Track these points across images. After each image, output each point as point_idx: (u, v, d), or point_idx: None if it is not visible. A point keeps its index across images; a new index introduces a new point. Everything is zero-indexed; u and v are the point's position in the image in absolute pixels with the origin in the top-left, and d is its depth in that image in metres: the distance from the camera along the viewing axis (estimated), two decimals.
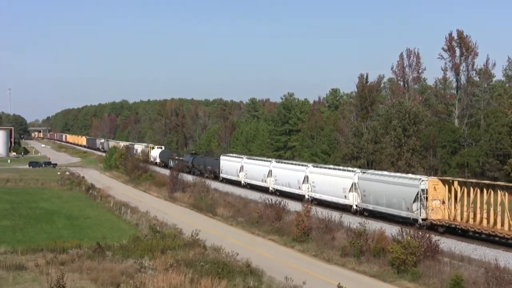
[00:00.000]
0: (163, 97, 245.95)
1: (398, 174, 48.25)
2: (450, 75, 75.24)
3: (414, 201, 40.40)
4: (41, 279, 27.64)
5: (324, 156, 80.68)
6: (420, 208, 40.03)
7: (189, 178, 70.09)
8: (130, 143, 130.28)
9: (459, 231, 38.13)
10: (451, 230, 38.37)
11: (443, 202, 39.44)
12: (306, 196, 54.45)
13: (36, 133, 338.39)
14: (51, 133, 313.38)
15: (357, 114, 76.89)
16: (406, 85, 77.74)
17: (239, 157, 74.08)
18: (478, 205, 36.64)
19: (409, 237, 31.64)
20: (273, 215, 44.15)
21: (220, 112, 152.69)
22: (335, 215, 41.66)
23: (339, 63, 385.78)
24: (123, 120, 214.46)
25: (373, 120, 76.67)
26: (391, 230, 37.14)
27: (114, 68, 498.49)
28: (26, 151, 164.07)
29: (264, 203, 47.02)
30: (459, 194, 38.21)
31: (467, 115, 71.80)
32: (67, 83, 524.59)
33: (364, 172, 49.42)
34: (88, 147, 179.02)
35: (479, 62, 72.82)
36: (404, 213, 41.44)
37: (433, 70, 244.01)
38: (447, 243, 35.30)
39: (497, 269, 26.85)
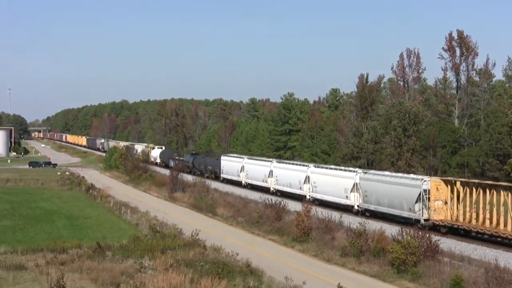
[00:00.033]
0: (163, 97, 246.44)
1: (400, 174, 48.03)
2: (450, 75, 75.25)
3: (416, 202, 40.27)
4: (41, 279, 27.64)
5: (324, 156, 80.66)
6: (422, 209, 39.89)
7: (189, 178, 70.09)
8: (131, 143, 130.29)
9: (462, 231, 38.00)
10: (453, 231, 38.22)
11: (446, 203, 39.27)
12: (307, 197, 54.29)
13: (36, 133, 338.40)
14: (51, 133, 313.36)
15: (357, 114, 76.86)
16: (406, 85, 77.69)
17: (240, 157, 74.00)
18: (481, 205, 36.44)
19: (409, 237, 31.64)
20: (273, 215, 44.16)
21: (220, 112, 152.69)
22: (335, 215, 41.65)
23: (339, 63, 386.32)
24: (123, 120, 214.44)
25: (373, 120, 76.64)
26: (391, 230, 37.13)
27: (114, 68, 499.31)
28: (26, 151, 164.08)
29: (264, 203, 47.02)
30: (461, 195, 38.01)
31: (467, 115, 71.76)
32: (67, 83, 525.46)
33: (365, 173, 49.25)
34: (88, 147, 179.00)
35: (479, 62, 72.81)
36: (406, 214, 41.30)
37: (433, 70, 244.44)
38: (447, 243, 35.28)
39: (497, 269, 26.85)
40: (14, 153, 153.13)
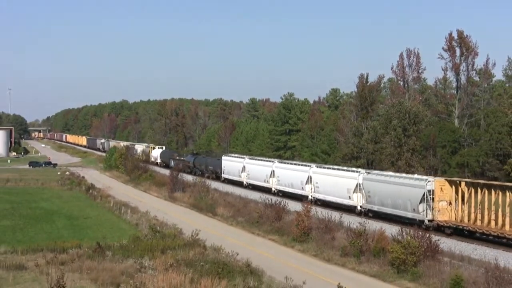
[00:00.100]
0: (163, 97, 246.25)
1: (404, 174, 47.68)
2: (450, 75, 75.23)
3: (420, 202, 40.02)
4: (41, 279, 27.64)
5: (324, 156, 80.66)
6: (427, 209, 39.65)
7: (189, 178, 70.06)
8: (131, 143, 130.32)
9: (466, 232, 37.70)
10: (458, 232, 37.97)
11: (450, 203, 39.01)
12: (310, 197, 54.01)
13: (36, 133, 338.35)
14: (51, 133, 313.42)
15: (357, 114, 76.87)
16: (406, 85, 77.70)
17: (241, 157, 73.85)
18: (486, 206, 36.11)
19: (409, 237, 31.62)
20: (273, 215, 44.14)
21: (220, 112, 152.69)
22: (335, 215, 41.62)
23: (339, 63, 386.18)
24: (123, 120, 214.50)
25: (373, 120, 76.65)
26: (391, 230, 37.10)
27: (114, 68, 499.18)
28: (26, 151, 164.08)
29: (264, 203, 46.99)
30: (466, 195, 37.65)
31: (467, 115, 71.75)
32: (67, 83, 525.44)
33: (368, 173, 48.97)
34: (88, 147, 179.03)
35: (479, 62, 72.82)
36: (410, 214, 41.02)
37: (433, 70, 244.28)
38: (447, 243, 35.26)
39: (497, 269, 26.84)
40: (14, 153, 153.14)
